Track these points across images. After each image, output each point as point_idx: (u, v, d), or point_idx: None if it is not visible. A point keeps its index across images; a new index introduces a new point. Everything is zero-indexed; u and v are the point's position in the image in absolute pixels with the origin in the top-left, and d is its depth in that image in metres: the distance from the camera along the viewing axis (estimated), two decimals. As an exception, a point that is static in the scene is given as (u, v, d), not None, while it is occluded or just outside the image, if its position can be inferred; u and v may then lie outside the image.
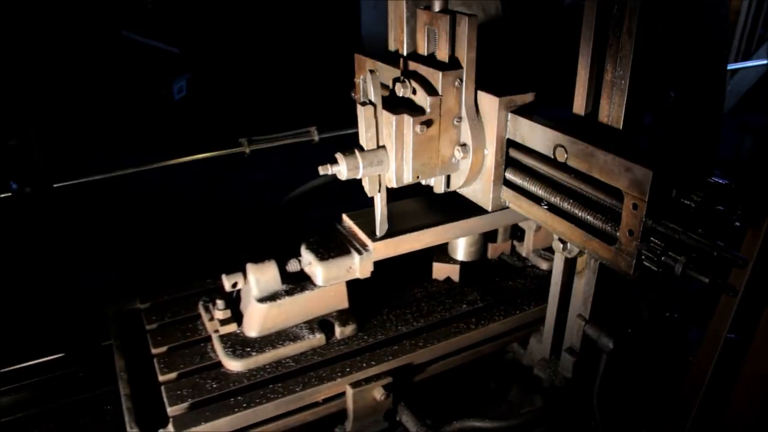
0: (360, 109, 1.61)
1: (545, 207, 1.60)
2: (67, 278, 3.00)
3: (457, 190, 1.84)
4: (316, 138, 3.13)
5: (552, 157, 1.53)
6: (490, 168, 1.70)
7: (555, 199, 1.56)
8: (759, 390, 1.63)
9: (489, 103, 1.63)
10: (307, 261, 1.93)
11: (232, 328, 1.94)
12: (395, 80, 1.69)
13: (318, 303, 1.99)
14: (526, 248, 2.45)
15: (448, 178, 1.79)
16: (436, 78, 1.60)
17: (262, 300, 1.91)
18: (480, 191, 1.78)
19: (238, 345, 1.90)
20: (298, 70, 7.58)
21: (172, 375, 1.85)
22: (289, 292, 1.93)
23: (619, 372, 1.84)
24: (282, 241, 2.10)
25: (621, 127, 1.51)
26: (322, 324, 1.99)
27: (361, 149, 1.65)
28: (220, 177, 5.55)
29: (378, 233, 1.84)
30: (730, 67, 6.36)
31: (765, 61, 7.00)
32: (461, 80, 1.61)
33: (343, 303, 2.04)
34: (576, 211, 1.50)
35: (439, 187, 1.81)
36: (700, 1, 1.77)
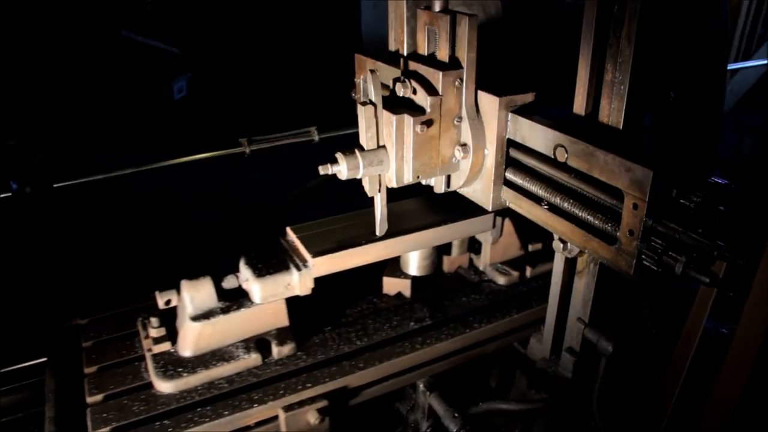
0: (360, 109, 1.61)
1: (545, 207, 1.60)
2: (67, 278, 3.00)
3: (458, 190, 1.83)
4: (316, 138, 3.14)
5: (552, 157, 1.53)
6: (490, 168, 1.70)
7: (555, 199, 1.55)
8: (739, 382, 1.63)
9: (489, 103, 1.63)
10: (245, 277, 1.86)
11: (166, 347, 1.86)
12: (395, 80, 1.69)
13: (256, 321, 1.89)
14: (482, 262, 2.35)
15: (449, 178, 1.79)
16: (437, 78, 1.60)
17: (196, 318, 1.82)
18: (480, 191, 1.78)
19: (171, 365, 1.81)
20: (298, 70, 7.58)
21: (99, 397, 1.75)
22: (224, 310, 1.84)
23: (619, 373, 1.84)
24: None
25: (621, 127, 1.51)
26: (259, 343, 1.89)
27: (362, 149, 1.64)
28: (220, 177, 5.55)
29: (378, 233, 1.83)
30: (730, 67, 6.36)
31: (765, 61, 7.00)
32: (461, 80, 1.61)
33: (283, 321, 1.94)
34: (576, 211, 1.50)
35: (440, 187, 1.81)
36: (701, 1, 1.77)
